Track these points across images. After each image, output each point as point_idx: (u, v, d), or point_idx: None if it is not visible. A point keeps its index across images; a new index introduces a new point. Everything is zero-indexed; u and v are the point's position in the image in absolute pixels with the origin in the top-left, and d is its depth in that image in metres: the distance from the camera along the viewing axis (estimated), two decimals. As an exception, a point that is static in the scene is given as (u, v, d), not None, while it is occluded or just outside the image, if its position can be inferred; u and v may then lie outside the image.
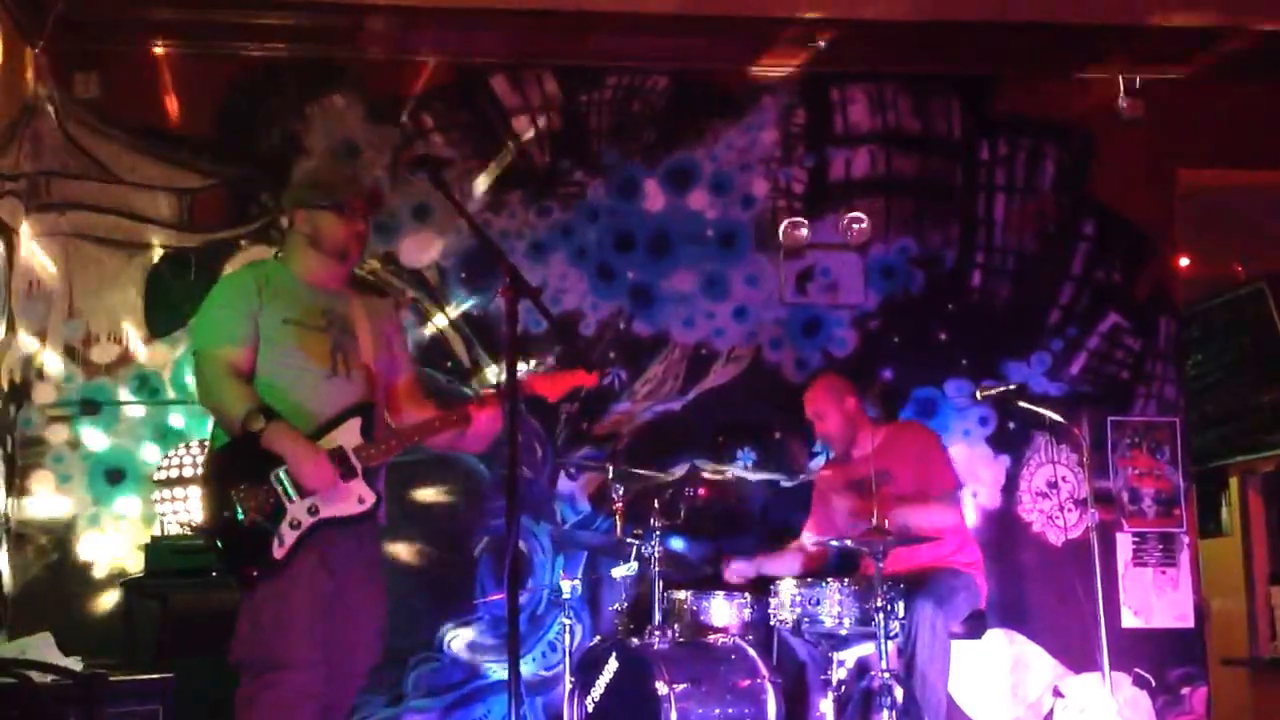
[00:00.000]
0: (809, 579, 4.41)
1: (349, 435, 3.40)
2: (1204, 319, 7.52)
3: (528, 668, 5.30)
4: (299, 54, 5.57)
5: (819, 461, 5.46)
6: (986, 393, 5.05)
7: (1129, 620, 5.58)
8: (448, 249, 5.54)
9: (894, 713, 4.02)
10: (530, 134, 5.66)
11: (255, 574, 3.28)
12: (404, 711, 5.21)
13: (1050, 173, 5.92)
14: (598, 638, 5.08)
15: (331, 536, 3.34)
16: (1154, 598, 5.64)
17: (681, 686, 4.15)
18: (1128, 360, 5.83)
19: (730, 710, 4.21)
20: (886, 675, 4.07)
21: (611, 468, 4.88)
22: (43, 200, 5.34)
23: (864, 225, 5.67)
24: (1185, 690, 5.59)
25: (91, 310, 5.34)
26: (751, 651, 4.37)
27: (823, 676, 4.27)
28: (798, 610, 4.31)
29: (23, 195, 5.27)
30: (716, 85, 5.81)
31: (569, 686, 4.59)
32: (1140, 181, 5.91)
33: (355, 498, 3.39)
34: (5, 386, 5.12)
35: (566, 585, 4.82)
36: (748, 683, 4.28)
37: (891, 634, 4.19)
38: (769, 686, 4.27)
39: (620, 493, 4.74)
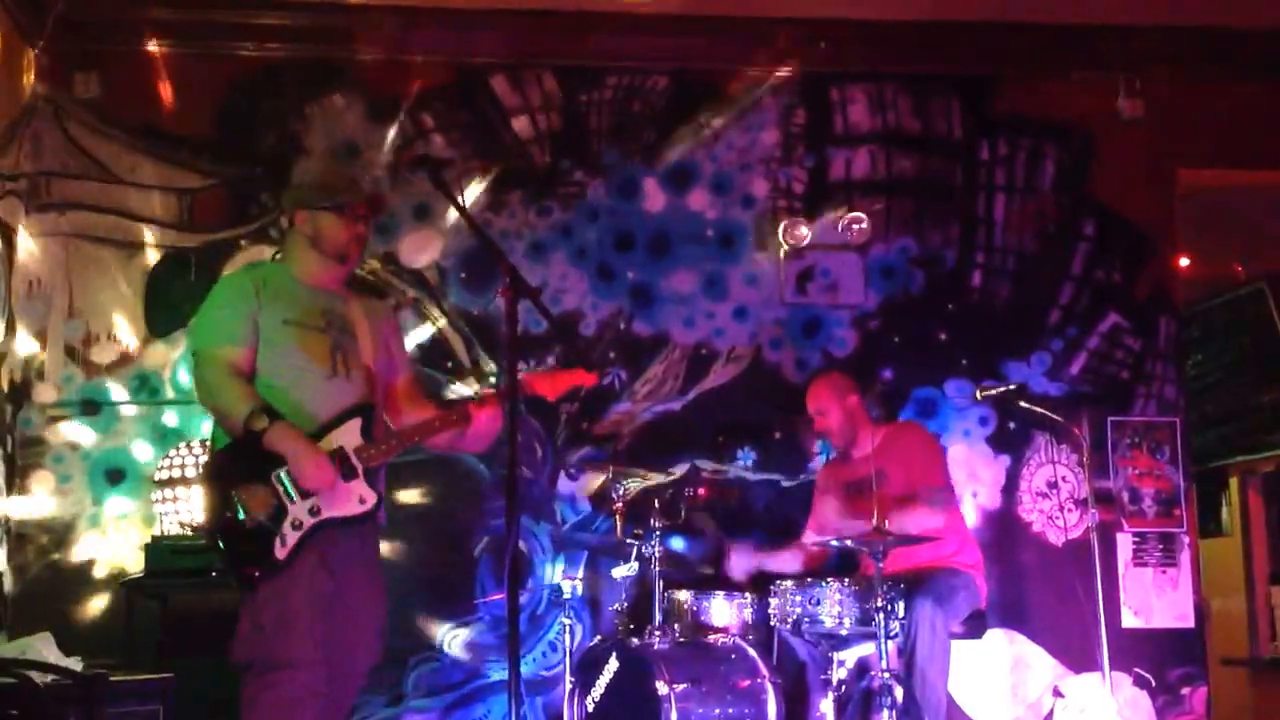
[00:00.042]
0: (809, 579, 4.41)
1: (349, 436, 3.40)
2: (1204, 319, 7.52)
3: (528, 668, 5.30)
4: (299, 54, 5.57)
5: (819, 461, 5.46)
6: (986, 393, 5.05)
7: (1129, 620, 5.58)
8: (448, 249, 5.55)
9: (894, 712, 4.02)
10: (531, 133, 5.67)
11: (257, 575, 3.27)
12: (404, 711, 5.21)
13: (1050, 173, 5.91)
14: (598, 638, 5.08)
15: (333, 537, 3.34)
16: (1154, 598, 5.64)
17: (682, 686, 4.15)
18: (1128, 360, 5.83)
19: (730, 710, 4.21)
20: (887, 675, 4.07)
21: (612, 468, 4.88)
22: (43, 200, 5.34)
23: (864, 225, 5.67)
24: (1185, 690, 5.59)
25: (91, 310, 5.34)
26: (751, 651, 4.37)
27: (823, 676, 4.27)
28: (798, 610, 4.31)
29: (23, 195, 5.27)
30: (716, 85, 5.80)
31: (569, 686, 4.60)
32: (1140, 181, 5.91)
33: (356, 498, 3.39)
34: (5, 386, 5.12)
35: (567, 585, 4.82)
36: (748, 683, 4.28)
37: (891, 634, 4.19)
38: (769, 686, 4.27)
39: (620, 493, 4.74)
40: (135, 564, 5.04)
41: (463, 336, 5.52)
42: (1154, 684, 5.56)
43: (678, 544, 5.29)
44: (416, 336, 5.45)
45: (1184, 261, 6.23)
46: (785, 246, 5.63)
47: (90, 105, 5.39)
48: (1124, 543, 5.67)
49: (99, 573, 5.16)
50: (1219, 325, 7.48)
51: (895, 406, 5.62)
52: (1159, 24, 5.71)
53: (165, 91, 5.46)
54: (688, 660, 4.30)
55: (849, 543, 4.26)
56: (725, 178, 5.74)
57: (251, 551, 3.27)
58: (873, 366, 5.64)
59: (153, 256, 5.40)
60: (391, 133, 5.56)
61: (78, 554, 5.16)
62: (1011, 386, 5.14)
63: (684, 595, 4.58)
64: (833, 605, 4.26)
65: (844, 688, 4.25)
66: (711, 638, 4.47)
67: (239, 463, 3.32)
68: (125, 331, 5.34)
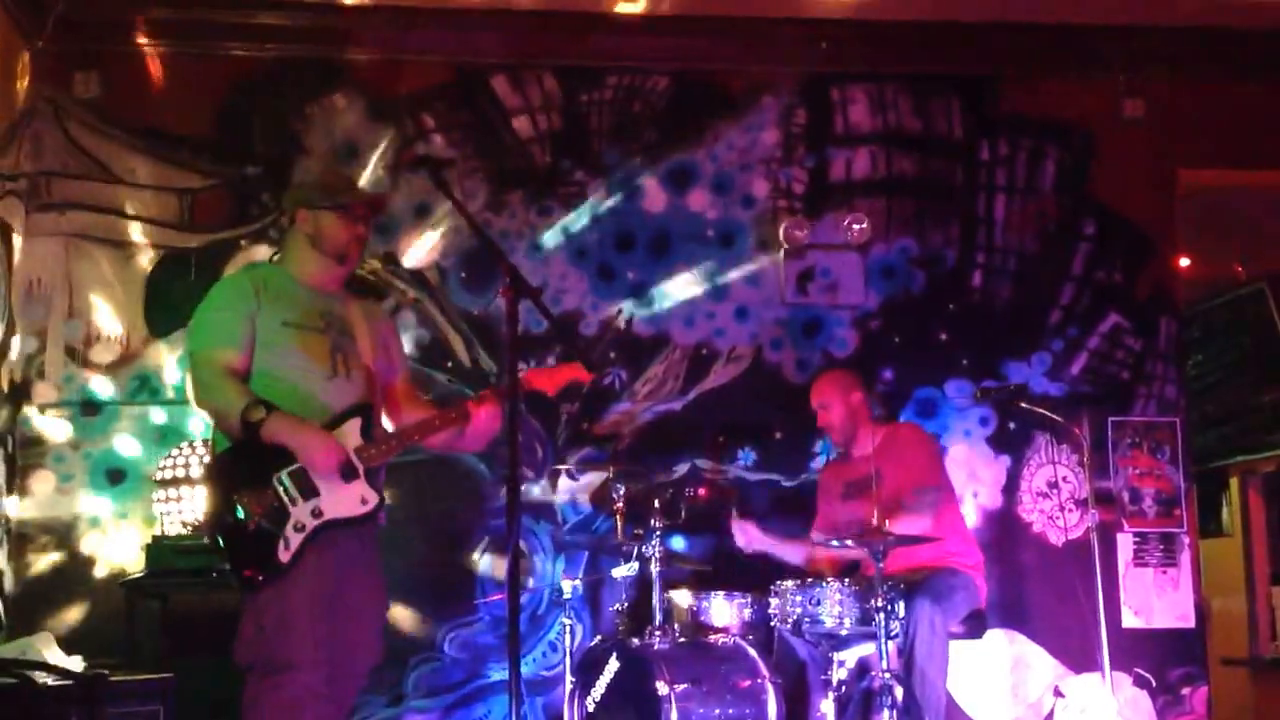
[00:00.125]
0: (809, 579, 4.40)
1: (349, 436, 3.39)
2: (1204, 319, 7.51)
3: (528, 668, 5.30)
4: (299, 54, 5.57)
5: (820, 461, 5.46)
6: (987, 393, 5.04)
7: (1129, 620, 5.58)
8: (448, 249, 5.54)
9: (895, 712, 4.01)
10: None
11: (260, 577, 3.27)
12: (404, 711, 5.21)
13: (1051, 173, 5.91)
14: (598, 638, 5.07)
15: (334, 538, 3.34)
16: (1154, 598, 5.64)
17: (682, 686, 4.14)
18: (1128, 360, 5.83)
19: (731, 710, 4.21)
20: (887, 675, 4.06)
21: (612, 468, 4.88)
22: (43, 200, 5.34)
23: (864, 225, 5.66)
24: (1186, 690, 5.59)
25: (91, 310, 5.34)
26: (752, 651, 4.37)
27: (823, 676, 4.26)
28: (798, 610, 4.30)
29: (23, 195, 5.27)
30: (716, 85, 5.80)
31: (569, 686, 4.59)
32: (1140, 182, 5.91)
33: (358, 498, 3.39)
34: (5, 386, 5.12)
35: (567, 585, 4.82)
36: (748, 683, 4.28)
37: (892, 634, 4.18)
38: (769, 686, 4.26)
39: (620, 493, 4.74)
40: (136, 564, 5.04)
41: (463, 336, 5.52)
42: (1154, 684, 5.56)
43: (678, 543, 5.29)
44: (417, 337, 5.45)
45: (1184, 262, 6.23)
46: (785, 246, 5.63)
47: (90, 105, 5.39)
48: (1124, 543, 5.67)
49: (99, 573, 5.15)
50: (1219, 325, 7.47)
51: (896, 407, 5.62)
52: (1159, 24, 5.71)
53: (165, 92, 5.47)
54: (688, 660, 4.30)
55: (849, 543, 4.25)
56: (725, 178, 5.74)
57: (255, 555, 3.27)
58: (873, 367, 5.64)
59: (153, 257, 5.40)
60: (391, 133, 5.56)
61: (78, 554, 5.16)
62: (1012, 387, 5.14)
63: (684, 595, 4.58)
64: (833, 605, 4.26)
65: (844, 688, 4.24)
66: (712, 638, 4.47)
67: (240, 466, 3.32)
68: (125, 331, 5.34)
